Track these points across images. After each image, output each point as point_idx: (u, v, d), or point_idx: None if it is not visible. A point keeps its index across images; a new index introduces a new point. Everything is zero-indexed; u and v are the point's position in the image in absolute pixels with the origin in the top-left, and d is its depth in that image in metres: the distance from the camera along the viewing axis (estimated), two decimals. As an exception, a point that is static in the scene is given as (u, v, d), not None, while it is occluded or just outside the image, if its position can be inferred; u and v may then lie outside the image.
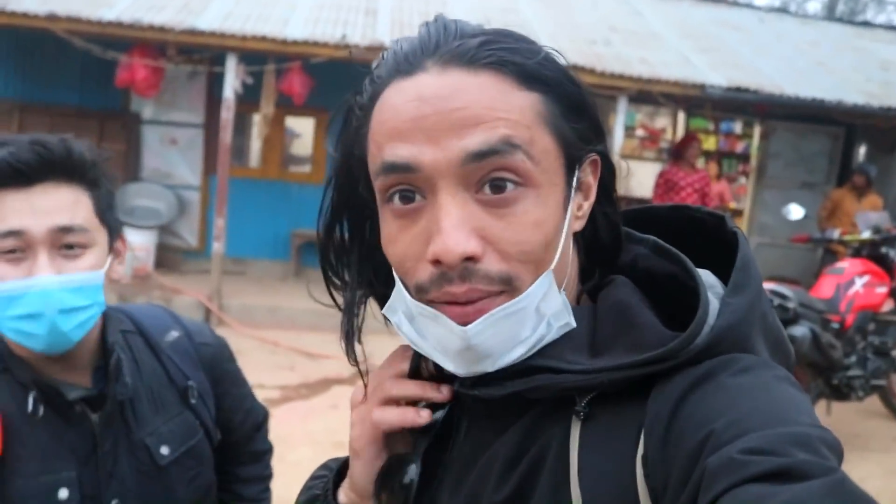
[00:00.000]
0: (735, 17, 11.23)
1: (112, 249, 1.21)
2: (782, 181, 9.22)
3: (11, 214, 1.08)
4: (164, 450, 1.27)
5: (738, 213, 10.05)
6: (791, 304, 4.56)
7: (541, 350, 0.67)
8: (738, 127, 11.36)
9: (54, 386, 1.16)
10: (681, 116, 10.80)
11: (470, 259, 0.62)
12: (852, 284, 5.06)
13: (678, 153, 7.68)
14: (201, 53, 7.44)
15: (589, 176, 0.70)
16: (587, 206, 0.71)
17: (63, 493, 1.15)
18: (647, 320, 0.66)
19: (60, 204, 1.11)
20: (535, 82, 0.65)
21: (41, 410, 1.16)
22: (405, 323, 0.69)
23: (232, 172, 7.81)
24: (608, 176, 0.73)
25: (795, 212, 5.89)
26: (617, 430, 0.63)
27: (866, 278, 5.10)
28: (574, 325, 0.68)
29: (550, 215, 0.65)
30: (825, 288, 5.10)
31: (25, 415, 1.15)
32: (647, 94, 7.93)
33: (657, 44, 8.93)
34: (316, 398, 5.56)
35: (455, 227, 0.62)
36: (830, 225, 7.27)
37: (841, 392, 4.92)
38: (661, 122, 13.46)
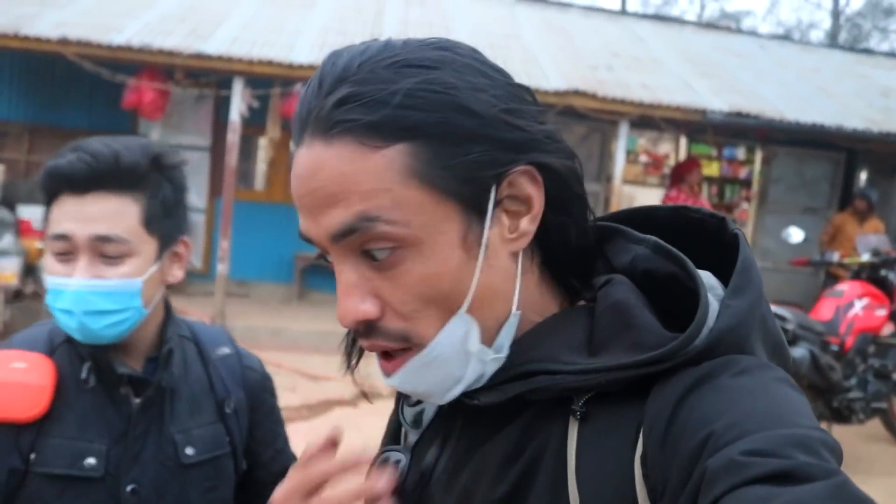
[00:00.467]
0: (736, 43, 11.35)
1: (162, 256, 1.28)
2: (784, 206, 9.26)
3: (64, 219, 1.19)
4: (190, 450, 1.32)
5: (740, 237, 10.04)
6: (790, 326, 4.58)
7: (535, 354, 0.67)
8: (740, 153, 11.42)
9: (107, 359, 1.26)
10: (683, 142, 10.88)
11: (370, 321, 0.64)
12: (852, 307, 5.08)
13: (680, 176, 7.72)
14: (208, 77, 7.55)
15: (524, 188, 0.65)
16: (526, 221, 0.66)
17: (90, 461, 1.23)
18: (646, 321, 0.65)
19: (105, 213, 1.19)
20: (394, 133, 0.61)
21: (92, 381, 1.27)
22: None
23: (237, 195, 7.89)
24: (553, 186, 0.67)
25: (795, 235, 5.92)
26: (615, 430, 0.62)
27: (866, 301, 5.11)
28: (503, 354, 0.68)
29: (440, 265, 0.63)
30: (824, 310, 5.12)
31: (77, 382, 1.26)
32: (648, 120, 8.00)
33: (659, 69, 9.02)
34: (317, 419, 5.57)
35: (347, 293, 0.64)
36: (831, 249, 7.29)
37: (841, 415, 4.92)
38: (665, 147, 13.55)
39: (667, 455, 0.57)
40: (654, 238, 0.72)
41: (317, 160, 0.62)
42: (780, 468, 0.49)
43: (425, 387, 0.67)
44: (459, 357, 0.65)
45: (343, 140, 0.61)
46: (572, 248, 0.71)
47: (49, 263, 1.21)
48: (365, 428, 5.33)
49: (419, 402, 0.79)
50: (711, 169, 11.26)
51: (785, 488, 0.48)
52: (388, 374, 0.67)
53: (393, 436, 0.85)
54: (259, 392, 1.47)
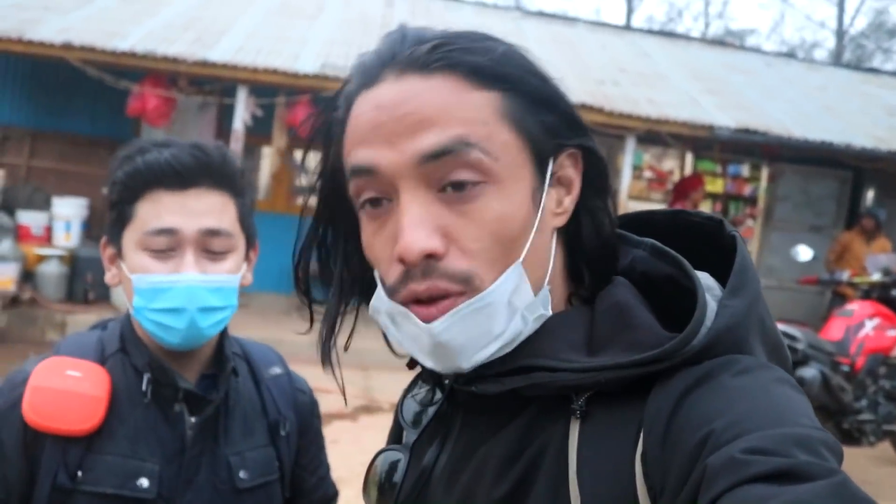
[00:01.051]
0: (742, 60, 11.33)
1: (247, 257, 1.26)
2: (790, 224, 9.20)
3: (167, 214, 1.14)
4: (243, 474, 1.25)
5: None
6: (800, 346, 4.49)
7: (536, 349, 0.67)
8: (745, 170, 11.37)
9: (169, 372, 1.19)
10: (688, 159, 10.83)
11: (432, 256, 0.63)
12: (862, 327, 4.99)
13: (684, 193, 7.66)
14: (212, 85, 7.50)
15: (568, 170, 0.70)
16: (569, 201, 0.70)
17: (143, 482, 1.15)
18: (645, 321, 0.66)
19: (211, 208, 1.17)
20: (492, 80, 0.65)
21: (149, 394, 1.19)
22: (389, 324, 0.70)
23: (239, 204, 7.82)
24: (593, 171, 0.71)
25: (804, 253, 5.84)
26: (616, 429, 0.63)
27: (877, 321, 5.03)
28: (549, 313, 0.68)
29: (516, 209, 0.65)
30: (835, 330, 5.03)
31: (131, 395, 1.19)
32: (655, 135, 7.96)
33: (665, 85, 8.99)
34: (316, 432, 5.48)
35: (415, 225, 0.63)
36: (839, 268, 7.21)
37: (851, 437, 4.82)
38: (669, 164, 13.51)
39: (667, 453, 0.57)
40: (651, 240, 0.73)
41: (411, 90, 0.64)
42: (781, 467, 0.49)
43: (464, 337, 0.65)
44: (506, 310, 0.65)
45: (444, 74, 0.64)
46: (603, 237, 0.72)
47: (139, 262, 1.15)
48: (364, 441, 5.26)
49: (420, 401, 0.80)
50: (716, 186, 11.21)
51: (785, 487, 0.48)
52: (430, 318, 0.65)
53: (396, 438, 0.87)
54: (308, 416, 1.40)
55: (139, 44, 7.05)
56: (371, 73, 0.67)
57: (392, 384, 7.58)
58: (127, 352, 1.21)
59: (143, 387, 1.19)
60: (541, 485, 0.65)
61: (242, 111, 7.13)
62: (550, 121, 0.68)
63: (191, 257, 1.15)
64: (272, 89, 7.32)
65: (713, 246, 0.72)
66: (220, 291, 1.18)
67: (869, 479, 5.39)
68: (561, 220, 0.70)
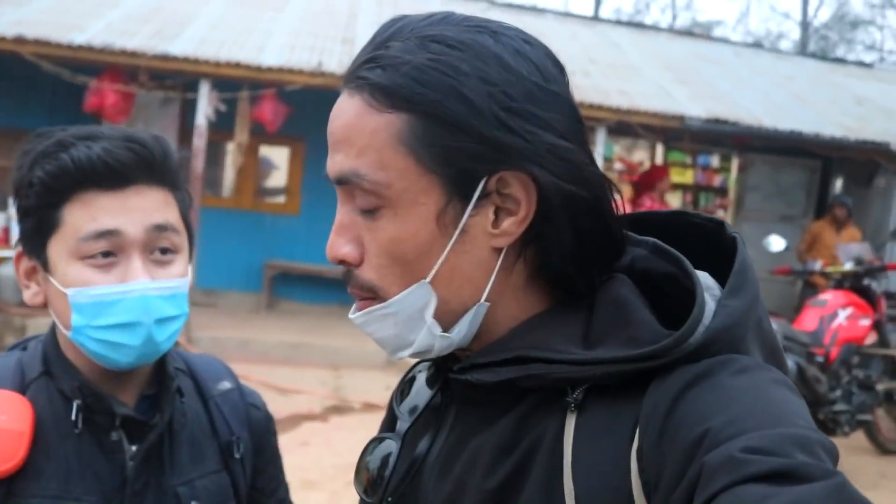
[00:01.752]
0: (712, 50, 11.34)
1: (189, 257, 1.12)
2: (761, 214, 9.21)
3: (104, 214, 1.00)
4: None
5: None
6: (776, 337, 4.46)
7: (532, 340, 0.68)
8: (715, 160, 11.39)
9: (103, 397, 1.05)
10: (659, 150, 10.82)
11: (346, 262, 0.70)
12: (836, 317, 4.99)
13: (649, 184, 7.62)
14: (174, 79, 7.30)
15: (514, 191, 0.67)
16: (511, 222, 0.67)
17: None
18: (643, 317, 0.66)
19: (154, 204, 1.04)
20: (398, 101, 0.65)
21: (80, 423, 1.04)
22: None
23: (204, 202, 7.64)
24: (546, 197, 0.66)
25: (776, 243, 5.81)
26: (612, 424, 0.63)
27: (850, 310, 5.03)
28: (453, 338, 0.70)
29: (411, 232, 0.67)
30: (808, 320, 5.02)
31: (59, 426, 1.04)
32: (626, 126, 7.91)
33: (636, 76, 8.94)
34: (285, 435, 5.33)
35: (337, 231, 0.70)
36: (810, 257, 7.23)
37: (827, 427, 4.82)
38: (639, 155, 13.50)
39: (663, 449, 0.57)
40: (653, 239, 0.73)
41: (339, 107, 0.69)
42: (780, 467, 0.49)
43: (379, 335, 0.72)
44: (414, 322, 0.69)
45: (360, 94, 0.67)
46: (569, 258, 0.69)
47: (76, 273, 0.99)
48: (335, 443, 5.14)
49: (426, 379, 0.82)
50: (686, 177, 11.22)
51: (784, 487, 0.48)
52: (356, 310, 0.72)
53: (389, 426, 0.87)
54: (264, 433, 1.25)
55: (97, 37, 6.83)
56: (347, 75, 0.71)
57: (364, 383, 7.43)
58: (52, 375, 1.06)
59: (73, 415, 1.03)
60: (534, 477, 0.65)
61: (205, 106, 6.95)
62: (464, 143, 0.65)
63: (138, 262, 1.00)
64: (236, 83, 7.14)
65: (713, 247, 0.71)
66: (175, 298, 1.04)
67: (844, 467, 5.32)
68: (502, 242, 0.68)
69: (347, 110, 0.67)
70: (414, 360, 0.82)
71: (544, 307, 0.72)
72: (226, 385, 1.24)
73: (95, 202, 0.99)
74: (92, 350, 1.01)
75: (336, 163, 0.68)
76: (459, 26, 0.67)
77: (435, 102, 0.64)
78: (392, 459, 0.77)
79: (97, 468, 1.04)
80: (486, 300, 0.69)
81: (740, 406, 0.56)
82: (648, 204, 7.41)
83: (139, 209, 1.01)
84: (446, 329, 0.70)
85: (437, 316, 0.69)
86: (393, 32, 0.68)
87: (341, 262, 0.70)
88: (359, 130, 0.66)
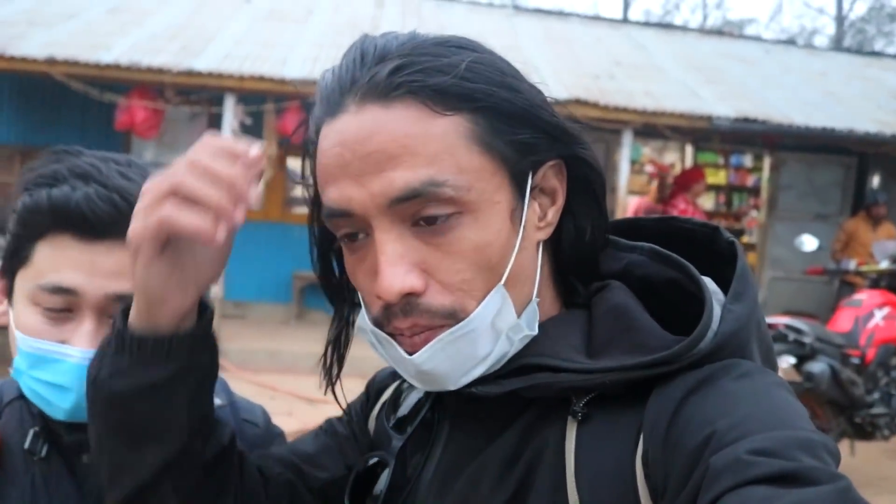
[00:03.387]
0: (740, 49, 11.15)
1: None
2: (795, 213, 9.00)
3: (67, 268, 0.93)
4: None
5: (751, 246, 9.83)
6: (808, 339, 4.34)
7: (537, 350, 0.67)
8: (747, 160, 11.19)
9: (48, 425, 1.01)
10: (689, 151, 10.67)
11: (412, 294, 0.63)
12: (872, 317, 4.83)
13: (684, 185, 7.48)
14: (199, 95, 7.39)
15: (552, 180, 0.69)
16: (552, 212, 0.69)
17: None
18: (647, 323, 0.66)
19: (122, 266, 0.93)
20: (457, 101, 0.62)
21: (43, 450, 1.00)
22: (376, 343, 0.70)
23: (232, 214, 7.71)
24: (579, 177, 0.70)
25: (809, 243, 5.68)
26: (615, 432, 0.62)
27: (886, 310, 4.87)
28: (535, 332, 0.67)
29: (494, 235, 0.64)
30: (843, 321, 4.88)
31: (25, 452, 1.01)
32: (652, 128, 7.80)
33: (662, 77, 8.83)
34: (313, 445, 5.35)
35: (391, 264, 0.62)
36: (846, 257, 7.04)
37: (864, 431, 4.67)
38: (670, 157, 13.32)
39: (668, 453, 0.57)
40: (649, 245, 0.72)
41: (373, 123, 0.62)
42: (785, 469, 0.49)
43: (448, 365, 0.65)
44: (489, 333, 0.65)
45: (405, 103, 0.61)
46: (585, 247, 0.72)
47: (27, 318, 0.94)
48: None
49: (405, 407, 0.81)
50: (718, 177, 11.05)
51: (789, 490, 0.48)
52: (414, 349, 0.65)
53: (361, 407, 0.90)
54: (262, 449, 1.23)
55: (124, 55, 6.95)
56: (332, 100, 0.65)
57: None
58: (26, 398, 1.00)
59: (27, 444, 0.99)
60: (540, 489, 0.64)
61: (231, 120, 7.02)
62: (526, 135, 0.65)
63: (89, 326, 0.94)
64: (260, 96, 7.20)
65: (706, 253, 0.71)
66: None
67: (883, 473, 5.22)
68: (545, 233, 0.70)
69: (392, 122, 0.61)
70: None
71: (557, 308, 0.73)
72: (216, 402, 1.19)
73: (64, 250, 0.94)
74: (28, 394, 0.97)
75: (394, 181, 0.61)
76: (453, 37, 0.68)
77: (495, 96, 0.63)
78: (384, 481, 0.76)
79: (66, 492, 1.01)
80: (536, 296, 0.69)
81: (744, 409, 0.56)
82: (682, 206, 7.28)
83: (104, 271, 0.94)
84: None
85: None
86: (383, 48, 0.65)
87: (407, 294, 0.63)
88: (424, 138, 0.61)
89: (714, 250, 0.71)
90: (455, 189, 0.62)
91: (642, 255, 0.73)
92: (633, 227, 0.78)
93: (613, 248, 0.75)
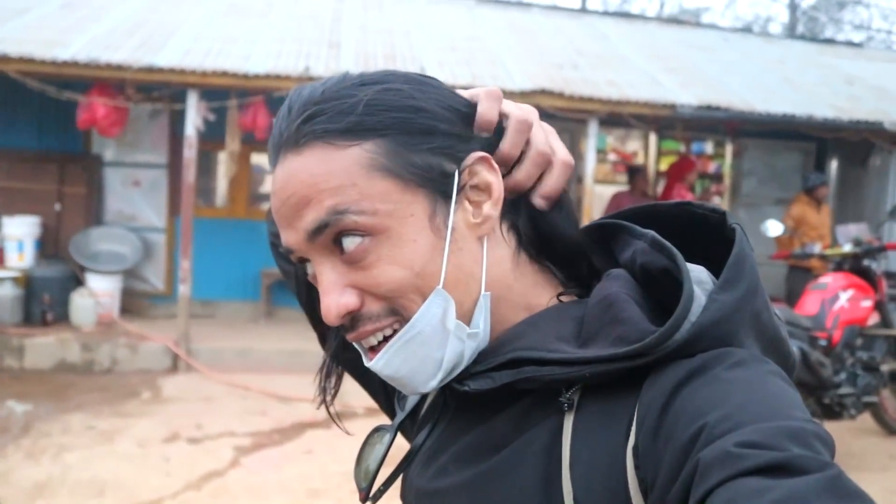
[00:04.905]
0: (700, 37, 11.28)
1: None
2: (757, 198, 9.17)
3: None
4: None
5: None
6: (777, 323, 4.42)
7: (524, 343, 0.69)
8: (709, 147, 11.35)
9: None
10: (652, 139, 10.78)
11: (353, 311, 0.69)
12: (837, 299, 4.95)
13: (679, 175, 7.58)
14: (161, 91, 7.25)
15: (483, 175, 0.71)
16: (489, 206, 0.71)
17: None
18: (632, 315, 0.66)
19: None
20: (355, 136, 0.67)
21: None
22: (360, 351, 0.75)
23: (198, 213, 7.60)
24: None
25: (773, 228, 5.78)
26: (609, 423, 0.63)
27: (851, 292, 4.99)
28: (480, 331, 0.71)
29: (410, 248, 0.67)
30: (810, 304, 4.98)
31: None
32: (617, 117, 7.85)
33: (625, 66, 8.89)
34: (289, 444, 5.30)
35: (326, 293, 0.69)
36: (800, 240, 7.19)
37: (833, 411, 4.78)
38: (633, 145, 13.46)
39: (659, 446, 0.57)
40: (651, 232, 0.72)
41: (289, 171, 0.68)
42: (775, 460, 0.49)
43: (408, 368, 0.70)
44: (439, 334, 0.68)
45: (311, 147, 0.67)
46: (549, 229, 0.75)
47: None
48: (339, 450, 5.10)
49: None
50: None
51: (779, 480, 0.48)
52: (372, 357, 0.71)
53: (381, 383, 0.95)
54: None
55: (81, 52, 6.77)
56: (272, 155, 0.71)
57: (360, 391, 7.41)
58: None
59: None
60: (528, 478, 0.66)
61: (194, 116, 6.89)
62: (437, 142, 0.69)
63: None
64: (223, 92, 7.08)
65: (717, 238, 0.70)
66: None
67: (852, 450, 5.36)
68: (485, 229, 0.71)
69: (301, 166, 0.67)
70: None
71: (546, 295, 0.75)
72: None
73: None
74: None
75: (307, 218, 0.67)
76: (371, 72, 0.72)
77: (398, 120, 0.67)
78: (382, 450, 0.80)
79: None
80: (485, 290, 0.71)
81: (736, 400, 0.55)
82: (682, 193, 7.41)
83: None
84: (469, 328, 0.71)
85: (457, 319, 0.70)
86: (309, 96, 0.69)
87: (346, 314, 0.69)
88: (326, 176, 0.66)
89: (725, 236, 0.70)
90: (357, 215, 0.66)
91: (645, 243, 0.73)
92: (651, 215, 0.77)
93: (629, 235, 0.75)
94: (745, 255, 0.67)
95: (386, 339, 0.70)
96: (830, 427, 4.97)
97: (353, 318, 0.70)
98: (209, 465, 4.79)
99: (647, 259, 0.71)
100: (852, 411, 4.82)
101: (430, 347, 0.69)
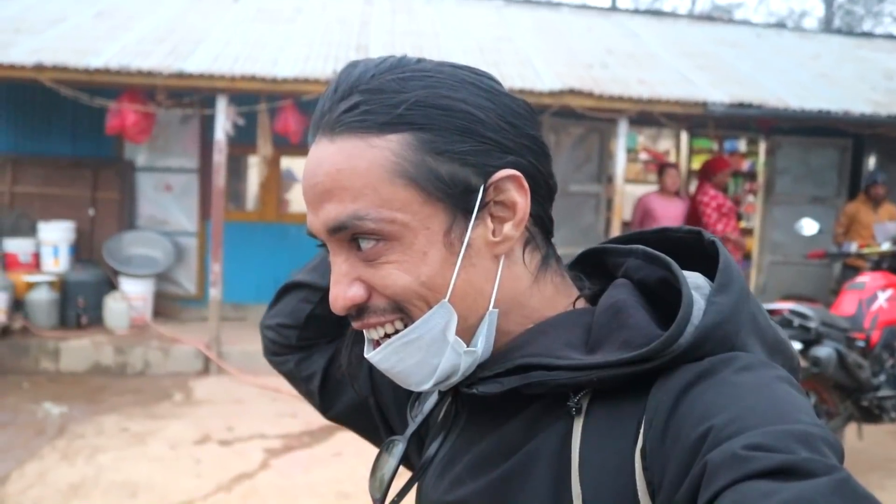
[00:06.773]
0: (732, 34, 11.10)
1: None
2: (792, 197, 8.98)
3: None
4: None
5: (748, 231, 9.81)
6: (812, 324, 4.32)
7: (533, 349, 0.70)
8: (742, 145, 11.17)
9: None
10: (684, 137, 10.64)
11: (358, 303, 0.70)
12: (875, 299, 4.81)
13: (710, 173, 7.40)
14: (191, 97, 7.32)
15: (510, 194, 0.70)
16: (510, 226, 0.70)
17: None
18: (639, 320, 0.67)
19: None
20: (393, 127, 0.67)
21: None
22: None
23: (228, 216, 7.65)
24: (537, 186, 0.72)
25: (808, 227, 5.65)
26: (618, 426, 0.64)
27: (889, 292, 4.85)
28: (478, 350, 0.71)
29: (420, 259, 0.68)
30: (847, 305, 4.85)
31: None
32: (647, 116, 7.76)
33: (655, 64, 8.78)
34: (319, 446, 5.32)
35: (336, 282, 0.71)
36: (849, 240, 7.01)
37: (872, 414, 4.65)
38: (664, 144, 13.29)
39: (666, 448, 0.57)
40: (640, 247, 0.74)
41: (319, 157, 0.69)
42: (783, 463, 0.49)
43: (402, 367, 0.72)
44: (438, 344, 0.70)
45: (344, 137, 0.67)
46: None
47: None
48: (369, 452, 5.09)
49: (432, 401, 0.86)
50: (713, 163, 10.99)
51: (787, 483, 0.48)
52: (373, 349, 0.73)
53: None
54: None
55: (113, 59, 6.87)
56: (312, 129, 0.71)
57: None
58: None
59: None
60: (540, 480, 0.66)
61: (223, 121, 6.95)
62: (469, 149, 0.68)
63: None
64: (253, 96, 7.14)
65: (699, 257, 0.73)
66: None
67: (892, 455, 5.21)
68: (503, 248, 0.71)
69: (331, 156, 0.67)
70: None
71: (564, 306, 0.75)
72: None
73: None
74: None
75: (328, 213, 0.68)
76: (427, 64, 0.70)
77: (436, 118, 0.67)
78: (394, 461, 0.81)
79: None
80: (493, 307, 0.71)
81: (743, 403, 0.56)
82: (712, 193, 7.23)
83: None
84: (468, 345, 0.72)
85: (458, 333, 0.70)
86: (357, 79, 0.69)
87: (351, 306, 0.70)
88: (350, 173, 0.66)
89: (705, 253, 0.73)
90: (375, 222, 0.67)
91: (637, 259, 0.75)
92: (638, 241, 0.79)
93: (615, 256, 0.78)
94: (731, 261, 0.69)
95: (388, 335, 0.72)
96: (870, 430, 4.84)
97: (360, 309, 0.71)
98: (239, 467, 4.82)
99: (644, 274, 0.73)
100: (892, 414, 4.68)
101: (428, 353, 0.70)
